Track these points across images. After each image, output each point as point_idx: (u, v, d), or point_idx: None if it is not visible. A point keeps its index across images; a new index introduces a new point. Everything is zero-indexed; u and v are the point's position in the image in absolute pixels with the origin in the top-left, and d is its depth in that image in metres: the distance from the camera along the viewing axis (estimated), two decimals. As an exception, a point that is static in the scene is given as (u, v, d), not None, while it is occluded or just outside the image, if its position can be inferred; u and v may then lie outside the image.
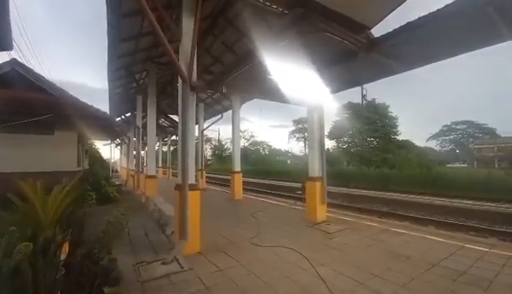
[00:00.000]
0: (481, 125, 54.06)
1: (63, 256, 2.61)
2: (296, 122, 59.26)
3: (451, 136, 57.68)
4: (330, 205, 7.49)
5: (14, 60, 8.53)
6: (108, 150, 26.54)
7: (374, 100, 37.49)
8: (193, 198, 4.43)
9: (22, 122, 7.05)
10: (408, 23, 4.59)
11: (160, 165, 28.01)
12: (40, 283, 2.19)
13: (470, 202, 11.55)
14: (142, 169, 14.43)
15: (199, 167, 14.30)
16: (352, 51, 5.60)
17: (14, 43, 5.73)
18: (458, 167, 35.14)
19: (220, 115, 15.23)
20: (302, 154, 57.89)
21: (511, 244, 5.43)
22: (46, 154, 8.08)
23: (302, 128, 56.71)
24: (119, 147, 27.77)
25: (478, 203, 11.11)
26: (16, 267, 2.13)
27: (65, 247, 2.73)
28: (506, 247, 4.57)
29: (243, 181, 11.41)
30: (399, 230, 5.67)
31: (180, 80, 4.54)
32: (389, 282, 3.30)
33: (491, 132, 53.06)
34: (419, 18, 4.42)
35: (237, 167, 11.11)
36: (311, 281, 3.38)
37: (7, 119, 7.02)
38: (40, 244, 2.46)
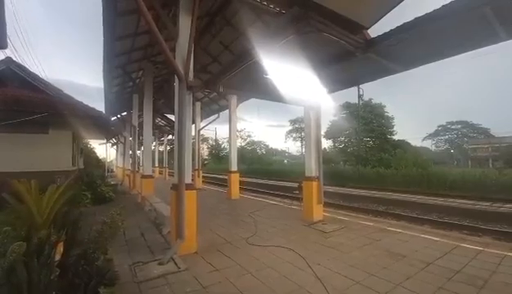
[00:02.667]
0: (475, 125, 54.55)
1: (58, 257, 2.59)
2: (293, 121, 59.45)
3: (446, 136, 58.17)
4: (326, 204, 7.51)
5: (9, 59, 8.46)
6: (103, 150, 26.37)
7: (370, 100, 37.72)
8: (189, 197, 4.42)
9: (16, 121, 6.97)
10: (405, 23, 4.61)
11: (157, 165, 27.92)
12: (34, 284, 2.16)
13: (462, 201, 11.66)
14: (138, 169, 14.34)
15: (196, 167, 14.27)
16: (349, 51, 5.61)
17: (9, 42, 5.67)
18: (452, 167, 35.36)
19: (217, 115, 15.21)
20: (299, 154, 58.09)
21: (505, 243, 5.48)
22: (40, 153, 8.00)
23: (299, 128, 56.92)
24: (114, 147, 27.63)
25: (470, 202, 11.20)
26: (11, 268, 2.11)
27: (60, 248, 2.70)
28: (501, 246, 4.62)
29: (240, 181, 11.40)
30: (395, 229, 5.70)
31: (176, 79, 4.51)
32: (385, 281, 3.32)
33: (485, 132, 53.60)
34: (415, 18, 4.44)
35: (234, 166, 11.09)
36: (307, 280, 3.38)
37: (1, 118, 6.93)
38: (34, 244, 2.43)
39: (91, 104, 8.85)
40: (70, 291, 2.44)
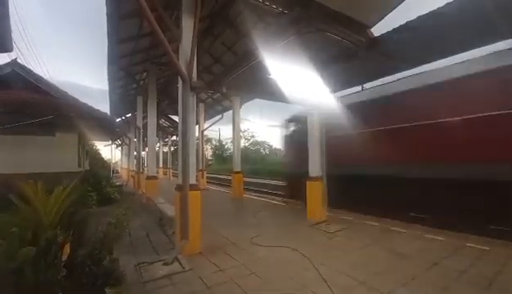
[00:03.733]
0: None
1: (64, 257, 2.62)
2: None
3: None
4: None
5: (14, 62, 8.56)
6: (109, 151, 26.57)
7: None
8: (194, 198, 4.44)
9: (23, 124, 7.06)
10: (408, 22, 4.59)
11: (161, 165, 28.07)
12: (41, 284, 2.19)
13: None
14: (143, 170, 14.44)
15: (200, 168, 14.33)
16: (352, 50, 5.61)
17: (14, 44, 5.75)
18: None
19: (220, 115, 15.25)
20: (302, 154, 57.67)
21: (511, 243, 5.41)
22: (47, 155, 8.09)
23: (301, 128, 56.48)
24: (119, 148, 27.84)
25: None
26: (18, 268, 2.14)
27: (67, 248, 2.73)
28: (506, 246, 4.56)
29: (244, 181, 11.42)
30: (399, 229, 5.66)
31: (180, 80, 4.54)
32: (390, 281, 3.30)
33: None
34: (418, 17, 4.43)
35: (238, 167, 11.12)
36: (312, 280, 3.38)
37: (8, 121, 7.02)
38: (41, 245, 2.47)
39: (96, 106, 8.94)
40: (77, 291, 2.47)
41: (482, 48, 4.81)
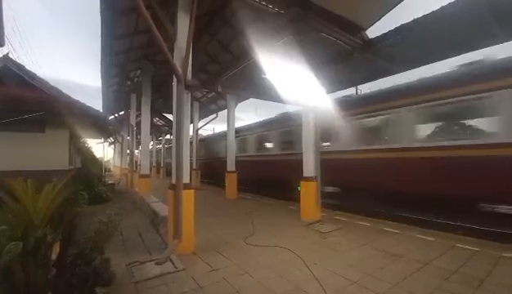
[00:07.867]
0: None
1: (54, 256, 2.57)
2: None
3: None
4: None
5: (6, 57, 8.37)
6: (101, 149, 26.27)
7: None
8: (187, 197, 4.41)
9: (12, 120, 6.92)
10: (403, 25, 4.64)
11: (154, 164, 27.84)
12: (31, 284, 2.15)
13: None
14: (136, 168, 14.30)
15: (194, 167, 14.26)
16: (347, 51, 5.64)
17: (6, 39, 5.62)
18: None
19: (215, 114, 15.18)
20: (296, 154, 57.75)
21: (501, 244, 5.51)
22: (36, 152, 7.94)
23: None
24: (112, 146, 27.51)
25: None
26: (7, 267, 2.09)
27: (56, 247, 2.69)
28: (496, 247, 4.64)
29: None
30: (392, 230, 5.72)
31: (175, 79, 4.50)
32: (382, 281, 3.33)
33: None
34: (413, 20, 4.47)
35: (232, 166, 11.08)
36: (305, 280, 3.39)
37: (-2, 117, 6.88)
38: (31, 244, 2.42)
39: (88, 103, 8.81)
40: (67, 291, 2.43)
41: (477, 51, 4.90)
